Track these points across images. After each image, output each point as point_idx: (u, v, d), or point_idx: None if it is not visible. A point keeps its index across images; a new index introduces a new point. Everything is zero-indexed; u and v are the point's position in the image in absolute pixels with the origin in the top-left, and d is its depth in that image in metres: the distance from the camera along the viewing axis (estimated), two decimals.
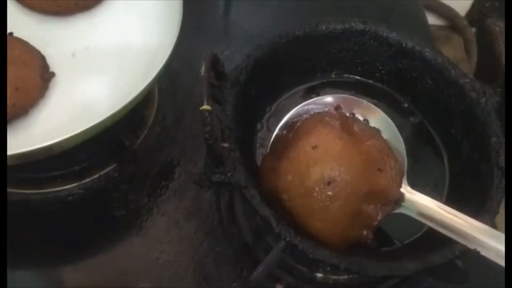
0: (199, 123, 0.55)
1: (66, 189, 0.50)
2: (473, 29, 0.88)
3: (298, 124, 0.42)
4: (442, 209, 0.38)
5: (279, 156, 0.40)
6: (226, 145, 0.38)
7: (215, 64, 0.38)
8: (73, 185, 0.50)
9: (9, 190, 0.49)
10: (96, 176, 0.51)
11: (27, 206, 0.49)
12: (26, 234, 0.48)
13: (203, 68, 0.36)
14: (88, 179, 0.51)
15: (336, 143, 0.39)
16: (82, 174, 0.50)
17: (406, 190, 0.40)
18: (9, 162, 0.40)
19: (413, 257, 0.37)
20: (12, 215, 0.49)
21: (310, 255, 0.36)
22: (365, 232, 0.38)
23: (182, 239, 0.49)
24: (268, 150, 0.44)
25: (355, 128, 0.41)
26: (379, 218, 0.38)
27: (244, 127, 0.43)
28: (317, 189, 0.38)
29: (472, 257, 0.40)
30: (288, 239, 0.36)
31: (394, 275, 0.36)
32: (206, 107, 0.35)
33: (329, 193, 0.38)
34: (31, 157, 0.40)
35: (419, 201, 0.39)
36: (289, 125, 0.43)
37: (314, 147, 0.39)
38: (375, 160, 0.39)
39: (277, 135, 0.43)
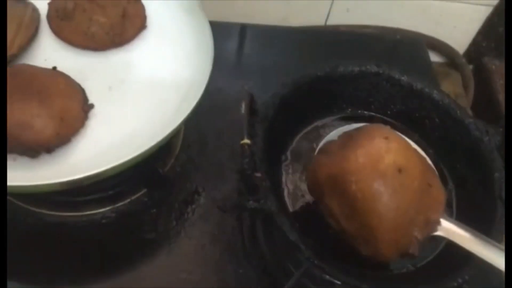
0: (222, 152, 0.60)
1: (100, 212, 0.53)
2: (471, 67, 0.94)
3: (356, 131, 0.44)
4: (473, 236, 0.40)
5: (343, 146, 0.42)
6: (258, 174, 0.42)
7: (251, 102, 0.43)
8: (107, 208, 0.54)
9: (47, 212, 0.52)
10: (127, 200, 0.54)
11: (64, 227, 0.52)
12: (63, 254, 0.51)
13: (243, 106, 0.41)
14: (120, 203, 0.54)
15: (403, 139, 0.41)
16: (115, 198, 0.54)
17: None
18: (58, 188, 0.44)
19: (427, 280, 0.41)
20: (48, 236, 0.52)
21: (335, 278, 0.39)
22: (412, 246, 0.40)
23: (208, 261, 0.52)
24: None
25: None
26: (422, 236, 0.41)
27: (271, 159, 0.47)
28: (389, 173, 0.39)
29: (478, 282, 0.44)
30: (315, 262, 0.40)
31: None
32: (246, 141, 0.39)
33: (399, 180, 0.39)
34: (79, 183, 0.44)
35: (452, 229, 0.41)
36: (344, 133, 0.45)
37: (386, 138, 0.40)
38: (428, 174, 0.42)
39: (327, 142, 0.46)
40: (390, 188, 0.39)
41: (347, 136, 0.44)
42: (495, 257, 0.38)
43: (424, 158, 0.44)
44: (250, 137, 0.43)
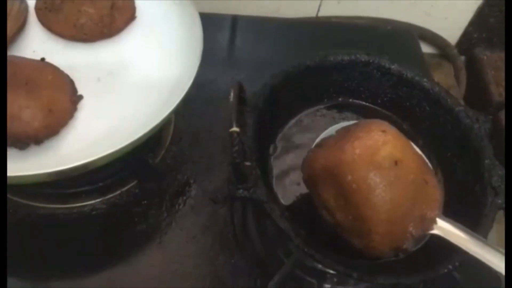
0: (213, 144, 0.60)
1: (90, 204, 0.53)
2: (463, 58, 0.94)
3: (354, 125, 0.43)
4: (470, 236, 0.40)
5: (340, 139, 0.42)
6: (248, 163, 0.42)
7: (240, 91, 0.42)
8: (97, 200, 0.53)
9: (37, 204, 0.52)
10: (118, 192, 0.54)
11: (54, 219, 0.52)
12: (53, 245, 0.51)
13: (231, 94, 0.41)
14: (110, 195, 0.54)
15: (400, 134, 0.41)
16: (105, 190, 0.54)
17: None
18: (47, 178, 0.43)
19: (417, 267, 0.41)
20: (39, 228, 0.52)
21: (325, 266, 0.39)
22: (407, 241, 0.41)
23: (200, 252, 0.52)
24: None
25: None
26: (417, 233, 0.41)
27: (261, 149, 0.47)
28: (385, 165, 0.39)
29: (468, 270, 0.45)
30: (305, 250, 0.40)
31: (400, 283, 0.39)
32: (235, 129, 0.39)
33: (395, 172, 0.39)
34: (68, 174, 0.43)
35: (449, 228, 0.41)
36: (341, 128, 0.45)
37: (383, 131, 0.41)
38: (424, 171, 0.42)
39: (324, 137, 0.46)
40: (386, 179, 0.39)
41: (345, 130, 0.44)
42: (493, 259, 0.38)
43: (421, 155, 0.44)
44: (239, 125, 0.42)
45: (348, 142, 0.41)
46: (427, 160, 0.45)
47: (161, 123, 0.47)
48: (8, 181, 0.45)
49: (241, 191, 0.42)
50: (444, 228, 0.41)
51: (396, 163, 0.40)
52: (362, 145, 0.40)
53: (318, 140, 0.47)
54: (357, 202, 0.39)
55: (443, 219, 0.42)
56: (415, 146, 0.45)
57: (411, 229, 0.41)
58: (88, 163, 0.43)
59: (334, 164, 0.40)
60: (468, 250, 0.39)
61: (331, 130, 0.46)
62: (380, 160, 0.39)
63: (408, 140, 0.43)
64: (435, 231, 0.42)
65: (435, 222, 0.42)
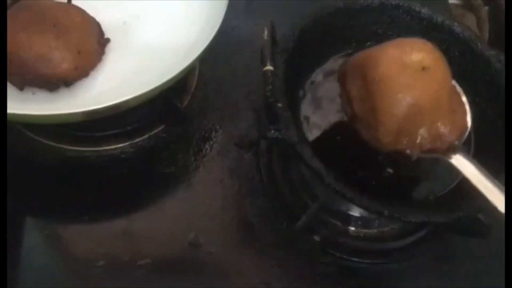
0: (237, 91, 0.60)
1: (119, 147, 0.54)
2: (486, 8, 0.91)
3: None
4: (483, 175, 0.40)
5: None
6: (279, 105, 0.42)
7: (272, 32, 0.42)
8: (125, 144, 0.54)
9: (67, 147, 0.53)
10: (146, 136, 0.55)
11: (83, 162, 0.53)
12: (83, 188, 0.52)
13: (265, 33, 0.40)
14: (138, 139, 0.55)
15: (441, 56, 0.43)
16: (133, 134, 0.55)
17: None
18: (80, 118, 0.44)
19: (445, 208, 0.42)
20: (68, 170, 0.53)
21: (357, 204, 0.40)
22: (412, 148, 0.41)
23: (227, 195, 0.53)
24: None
25: None
26: (425, 146, 0.41)
27: (290, 92, 0.47)
28: (412, 67, 0.40)
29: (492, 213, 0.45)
30: (337, 188, 0.40)
31: (430, 221, 0.40)
32: (269, 67, 0.39)
33: (421, 77, 0.40)
34: (101, 114, 0.44)
35: (465, 164, 0.41)
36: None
37: (424, 43, 0.42)
38: (454, 99, 0.43)
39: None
40: (408, 79, 0.40)
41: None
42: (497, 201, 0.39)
43: (454, 86, 0.44)
44: (273, 64, 0.42)
45: (383, 45, 0.43)
46: (462, 94, 0.46)
47: (191, 65, 0.47)
48: (41, 120, 0.46)
49: (272, 132, 0.42)
50: (462, 162, 0.42)
51: (423, 69, 0.41)
52: (396, 46, 0.42)
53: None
54: (375, 93, 0.41)
55: (463, 153, 0.42)
56: (453, 81, 0.45)
57: (420, 138, 0.42)
58: (121, 103, 0.43)
59: (365, 58, 0.43)
60: (479, 188, 0.40)
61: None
62: (408, 62, 0.41)
63: (445, 63, 0.43)
64: (452, 161, 0.42)
65: (451, 148, 0.42)
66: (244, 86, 0.61)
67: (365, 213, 0.52)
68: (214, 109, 0.59)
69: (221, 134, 0.57)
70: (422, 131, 0.41)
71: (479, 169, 0.41)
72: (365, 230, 0.53)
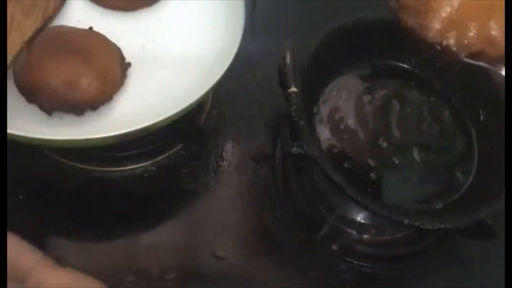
0: (251, 107, 0.63)
1: (141, 167, 0.56)
2: None
3: None
4: None
5: None
6: (302, 123, 0.45)
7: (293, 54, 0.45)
8: (148, 162, 0.56)
9: (93, 168, 0.55)
10: (166, 154, 0.57)
11: (108, 182, 0.55)
12: (110, 207, 0.54)
13: (288, 57, 0.43)
14: (160, 157, 0.57)
15: None
16: (154, 153, 0.57)
17: None
18: (110, 141, 0.46)
19: (457, 214, 0.45)
20: (95, 191, 0.55)
21: (378, 214, 0.43)
22: (457, 42, 0.40)
23: (247, 207, 0.56)
24: None
25: None
26: (479, 47, 0.40)
27: (307, 108, 0.50)
28: None
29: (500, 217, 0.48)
30: (358, 199, 0.43)
31: (447, 228, 0.43)
32: (293, 89, 0.41)
33: None
34: (131, 136, 0.46)
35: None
36: None
37: None
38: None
39: None
40: None
41: None
42: None
43: None
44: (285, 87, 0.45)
45: None
46: None
47: (213, 87, 0.49)
48: (70, 145, 0.48)
49: (295, 148, 0.45)
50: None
51: None
52: None
53: None
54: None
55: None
56: None
57: (471, 35, 0.40)
58: (149, 126, 0.46)
59: None
60: None
61: None
62: None
63: None
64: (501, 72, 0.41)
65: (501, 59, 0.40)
66: (256, 103, 0.63)
67: (377, 221, 0.55)
68: (230, 126, 0.61)
69: (238, 150, 0.59)
70: (474, 27, 0.39)
71: None
72: (379, 238, 0.55)
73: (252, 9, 0.77)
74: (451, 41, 0.40)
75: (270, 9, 0.77)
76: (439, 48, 0.41)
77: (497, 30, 0.39)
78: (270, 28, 0.73)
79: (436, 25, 0.40)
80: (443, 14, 0.39)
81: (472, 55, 0.41)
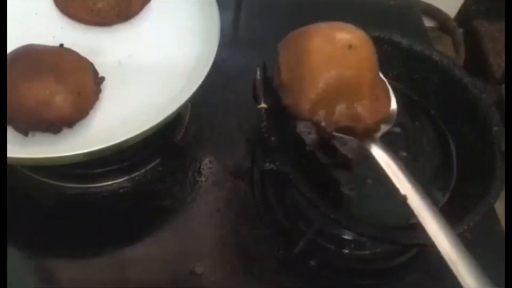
0: (229, 122, 0.63)
1: (117, 183, 0.56)
2: (461, 30, 0.96)
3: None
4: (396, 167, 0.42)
5: None
6: (273, 139, 0.44)
7: (265, 70, 0.45)
8: (123, 179, 0.56)
9: (68, 185, 0.54)
10: (143, 170, 0.57)
11: (83, 198, 0.55)
12: (85, 224, 0.53)
13: (258, 73, 0.43)
14: (136, 173, 0.56)
15: (369, 40, 0.45)
16: (130, 169, 0.56)
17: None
18: (83, 158, 0.46)
19: None
20: (71, 207, 0.54)
21: (352, 229, 0.42)
22: (327, 120, 0.44)
23: (224, 223, 0.55)
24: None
25: None
26: (345, 124, 0.44)
27: (281, 124, 0.49)
28: (339, 42, 0.43)
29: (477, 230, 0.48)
30: (331, 216, 0.42)
31: (421, 244, 0.42)
32: (263, 105, 0.41)
33: (346, 53, 0.43)
34: (104, 152, 0.46)
35: (381, 154, 0.43)
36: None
37: (356, 29, 0.45)
38: (378, 89, 0.45)
39: None
40: (332, 52, 0.43)
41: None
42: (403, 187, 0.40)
43: (382, 79, 0.47)
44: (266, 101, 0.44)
45: (321, 23, 0.46)
46: (389, 87, 0.49)
47: (187, 101, 0.49)
48: (45, 163, 0.47)
49: (267, 164, 0.44)
50: (378, 152, 0.43)
51: (350, 47, 0.43)
52: (330, 25, 0.46)
53: None
54: (304, 62, 0.43)
55: (380, 145, 0.44)
56: (382, 76, 0.48)
57: (338, 113, 0.44)
58: (123, 142, 0.45)
59: (302, 32, 0.46)
60: (390, 176, 0.41)
61: None
62: (338, 38, 0.44)
63: (373, 51, 0.46)
64: (372, 150, 0.43)
65: (369, 136, 0.44)
66: (236, 117, 0.63)
67: (356, 236, 0.54)
68: (208, 140, 0.61)
69: (216, 164, 0.59)
70: (340, 107, 0.43)
71: (394, 160, 0.42)
72: (358, 252, 0.55)
73: (234, 24, 0.79)
74: (320, 118, 0.44)
75: (251, 23, 0.78)
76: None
77: (362, 109, 0.44)
78: (251, 42, 0.73)
79: (307, 105, 0.43)
80: (312, 96, 0.43)
81: (340, 130, 0.44)
